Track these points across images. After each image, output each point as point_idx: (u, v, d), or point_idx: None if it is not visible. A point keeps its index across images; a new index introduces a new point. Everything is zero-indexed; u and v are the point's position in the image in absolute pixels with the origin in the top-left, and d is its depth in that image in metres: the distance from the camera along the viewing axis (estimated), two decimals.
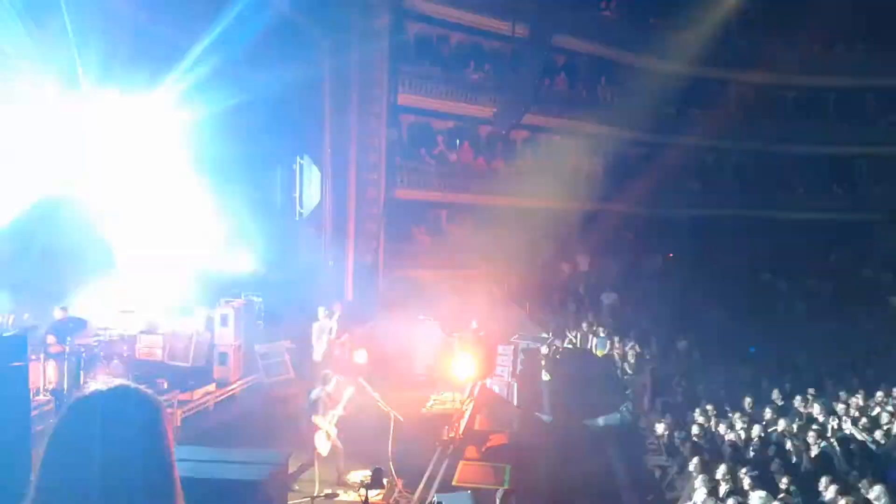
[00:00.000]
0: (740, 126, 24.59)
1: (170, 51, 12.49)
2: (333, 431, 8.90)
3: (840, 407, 12.58)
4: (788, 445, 10.69)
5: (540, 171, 20.76)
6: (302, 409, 9.52)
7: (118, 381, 1.66)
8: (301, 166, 18.43)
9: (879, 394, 13.48)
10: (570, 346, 16.93)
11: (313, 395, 9.04)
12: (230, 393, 12.90)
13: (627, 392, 14.46)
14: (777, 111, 25.69)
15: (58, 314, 11.08)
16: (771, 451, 10.44)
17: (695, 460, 9.53)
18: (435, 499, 8.06)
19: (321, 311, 13.48)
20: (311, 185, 18.18)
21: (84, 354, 10.43)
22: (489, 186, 20.06)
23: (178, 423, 11.08)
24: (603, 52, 22.18)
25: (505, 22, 19.61)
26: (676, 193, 23.62)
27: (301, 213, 18.32)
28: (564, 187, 19.76)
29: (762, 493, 8.07)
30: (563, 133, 21.58)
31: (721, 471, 9.00)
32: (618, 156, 20.89)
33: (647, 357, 16.47)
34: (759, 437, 11.08)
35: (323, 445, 8.82)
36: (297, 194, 18.41)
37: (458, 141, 21.27)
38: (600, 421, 12.95)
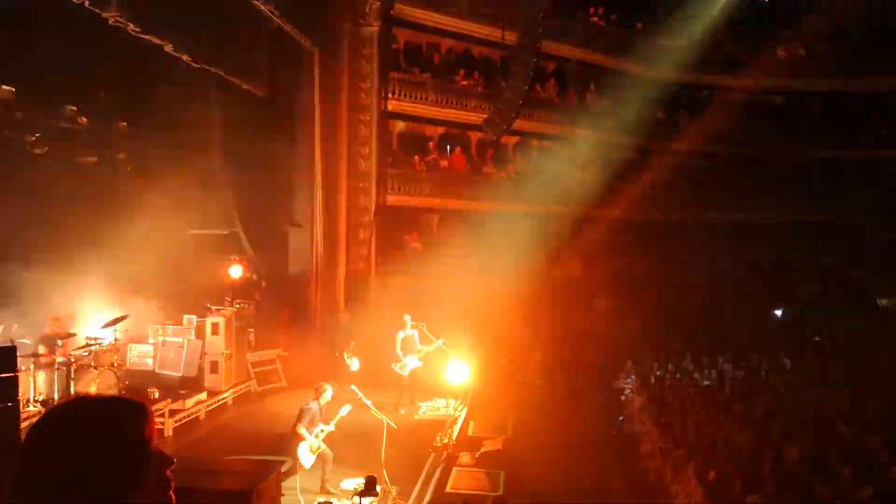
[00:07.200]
0: (730, 131, 24.70)
1: None
2: (316, 445, 8.71)
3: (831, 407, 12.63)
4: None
5: (531, 177, 20.79)
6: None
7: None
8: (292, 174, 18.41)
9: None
10: None
11: (307, 404, 8.94)
12: (221, 402, 12.85)
13: None
14: (767, 115, 25.82)
15: (50, 324, 11.01)
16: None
17: (692, 464, 9.56)
18: None
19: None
20: (303, 193, 18.15)
21: (74, 364, 10.37)
22: (481, 192, 20.07)
23: (170, 433, 11.03)
24: (593, 57, 22.27)
25: (495, 28, 19.65)
26: (667, 198, 23.68)
27: (293, 221, 18.30)
28: (555, 193, 19.79)
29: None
30: (553, 139, 21.64)
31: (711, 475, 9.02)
32: (608, 161, 20.94)
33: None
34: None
35: (305, 457, 8.65)
36: (290, 202, 18.40)
37: (449, 147, 21.29)
38: None
